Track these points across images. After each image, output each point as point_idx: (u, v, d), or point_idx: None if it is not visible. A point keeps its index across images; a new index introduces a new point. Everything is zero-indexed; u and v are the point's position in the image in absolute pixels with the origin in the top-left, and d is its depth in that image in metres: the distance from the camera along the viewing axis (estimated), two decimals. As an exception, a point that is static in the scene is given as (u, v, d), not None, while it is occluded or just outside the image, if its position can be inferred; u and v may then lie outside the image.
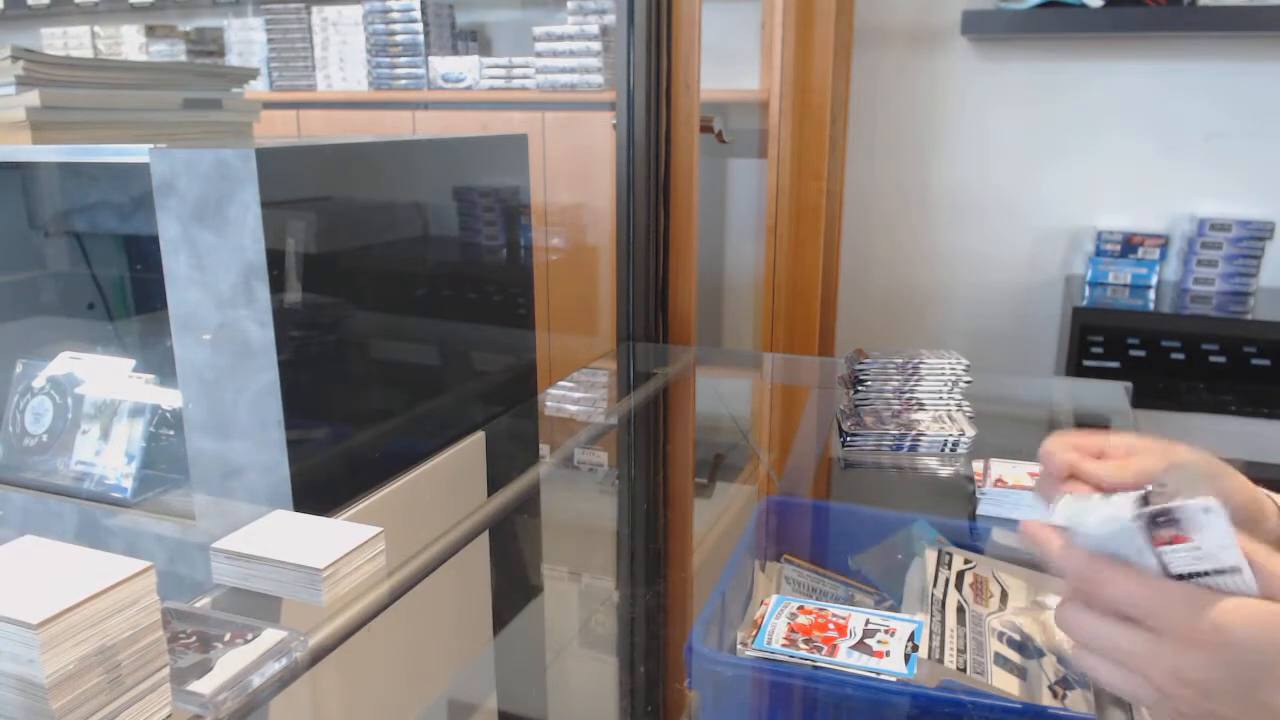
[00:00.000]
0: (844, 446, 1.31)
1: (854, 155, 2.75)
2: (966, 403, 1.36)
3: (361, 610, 0.87)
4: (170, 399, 1.24)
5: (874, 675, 0.76)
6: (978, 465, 1.18)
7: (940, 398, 1.37)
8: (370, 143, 1.22)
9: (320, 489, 1.10)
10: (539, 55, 2.47)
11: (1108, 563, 0.50)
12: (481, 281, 1.44)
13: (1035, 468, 1.15)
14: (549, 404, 1.61)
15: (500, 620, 1.10)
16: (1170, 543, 0.48)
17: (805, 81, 2.38)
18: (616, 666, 0.97)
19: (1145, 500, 0.51)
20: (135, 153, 1.07)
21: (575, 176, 2.38)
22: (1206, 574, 0.47)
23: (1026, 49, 2.57)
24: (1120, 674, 0.50)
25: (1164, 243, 2.51)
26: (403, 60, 2.72)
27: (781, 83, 2.33)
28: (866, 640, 0.80)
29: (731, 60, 2.74)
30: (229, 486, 1.09)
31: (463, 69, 2.64)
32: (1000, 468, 1.15)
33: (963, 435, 1.29)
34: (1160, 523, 0.48)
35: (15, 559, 0.65)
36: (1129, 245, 2.52)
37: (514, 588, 1.16)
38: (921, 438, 1.29)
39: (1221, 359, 2.27)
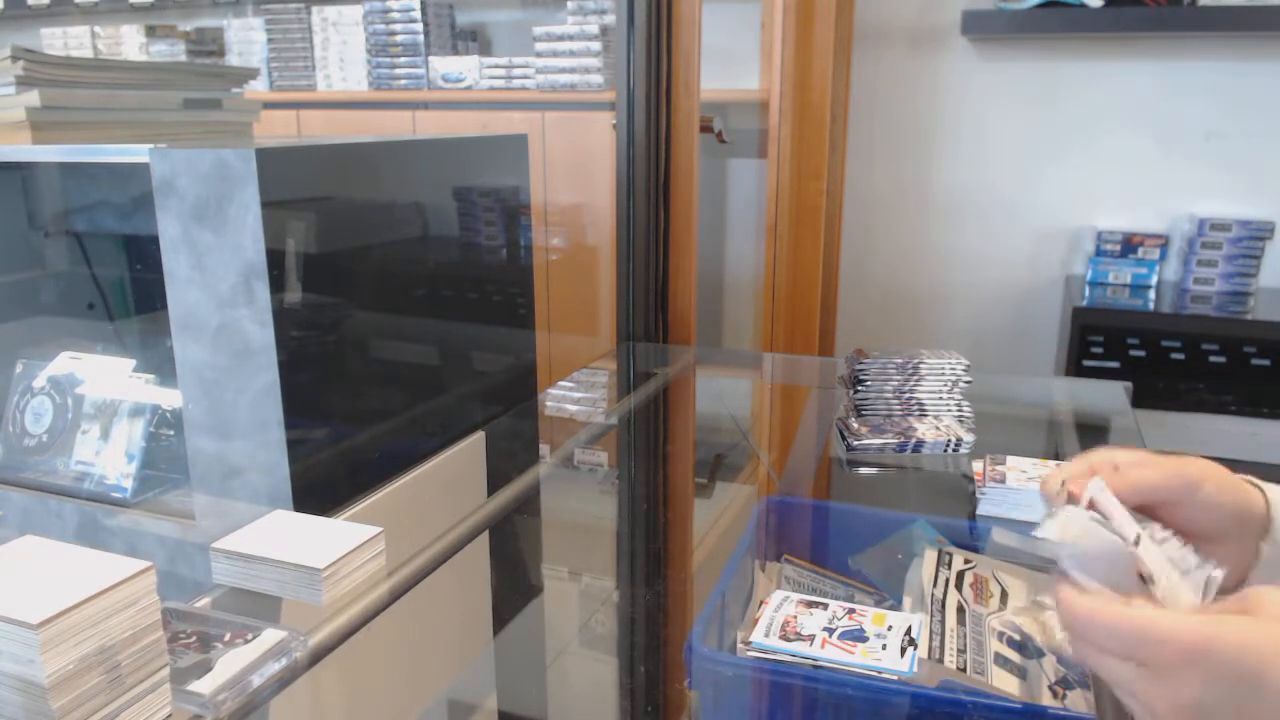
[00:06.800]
0: (845, 449, 1.31)
1: (854, 155, 2.75)
2: (966, 403, 1.36)
3: (361, 610, 0.87)
4: (170, 399, 1.24)
5: (874, 675, 0.76)
6: (977, 465, 1.18)
7: (940, 398, 1.37)
8: (370, 143, 1.22)
9: (320, 489, 1.10)
10: (539, 55, 2.47)
11: (1088, 609, 0.51)
12: (481, 281, 1.44)
13: (1035, 466, 1.15)
14: (549, 404, 1.61)
15: (500, 620, 1.10)
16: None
17: (805, 81, 2.38)
18: (616, 666, 0.97)
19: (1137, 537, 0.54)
20: (135, 153, 1.07)
21: (575, 176, 2.38)
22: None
23: (1026, 49, 2.57)
24: (1132, 703, 0.51)
25: (1164, 243, 2.51)
26: (403, 60, 2.72)
27: (781, 83, 2.33)
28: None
29: (731, 60, 2.74)
30: (229, 486, 1.09)
31: (463, 69, 2.64)
32: (1000, 467, 1.15)
33: (961, 441, 1.29)
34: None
35: (15, 559, 0.65)
36: (1129, 245, 2.52)
37: (514, 588, 1.16)
38: (922, 440, 1.29)
39: (1221, 359, 2.27)
